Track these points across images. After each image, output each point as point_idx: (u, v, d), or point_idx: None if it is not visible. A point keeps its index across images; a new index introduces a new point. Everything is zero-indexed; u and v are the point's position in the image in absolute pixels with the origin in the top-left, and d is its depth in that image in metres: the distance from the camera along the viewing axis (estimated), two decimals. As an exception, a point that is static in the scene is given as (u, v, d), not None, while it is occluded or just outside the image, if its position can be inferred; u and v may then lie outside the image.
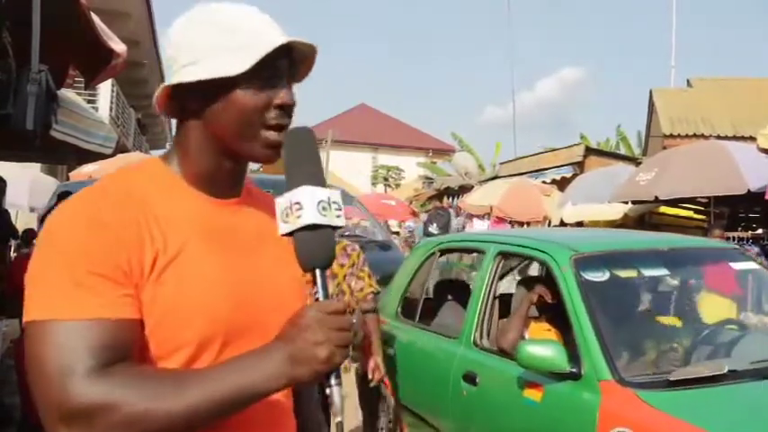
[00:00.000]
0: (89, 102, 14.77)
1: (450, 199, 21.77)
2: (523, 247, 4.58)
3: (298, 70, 1.45)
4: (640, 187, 10.27)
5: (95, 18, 4.72)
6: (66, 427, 1.17)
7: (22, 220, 13.59)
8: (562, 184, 16.16)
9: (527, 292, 4.41)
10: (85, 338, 1.20)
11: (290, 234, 1.30)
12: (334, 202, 1.31)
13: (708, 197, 10.41)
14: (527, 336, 4.21)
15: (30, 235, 11.34)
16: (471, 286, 7.08)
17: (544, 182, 16.99)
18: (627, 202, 11.48)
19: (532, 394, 3.75)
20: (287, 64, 1.40)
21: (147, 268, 1.28)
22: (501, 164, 23.88)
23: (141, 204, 1.32)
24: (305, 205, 1.28)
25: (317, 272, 1.31)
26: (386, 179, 40.65)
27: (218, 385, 1.22)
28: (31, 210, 13.98)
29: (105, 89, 20.38)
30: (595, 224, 13.33)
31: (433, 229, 16.19)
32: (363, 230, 11.57)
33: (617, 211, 12.17)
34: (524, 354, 3.58)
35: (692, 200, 11.24)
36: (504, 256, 4.70)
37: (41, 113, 4.30)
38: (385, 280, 10.13)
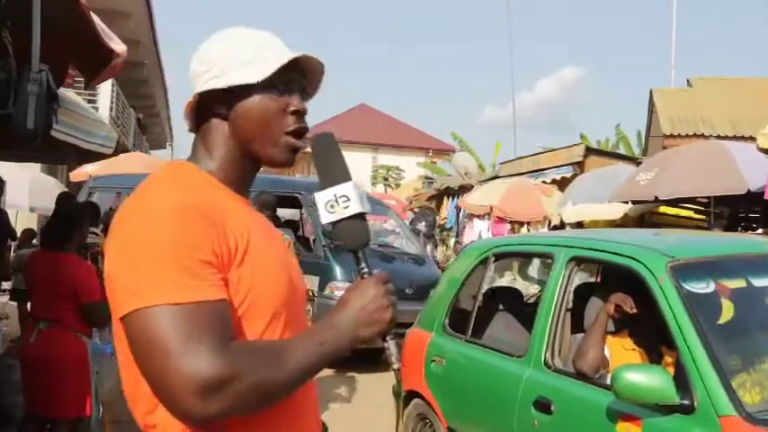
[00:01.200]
0: (89, 101, 14.78)
1: (451, 199, 21.75)
2: (603, 251, 3.90)
3: (309, 85, 1.67)
4: (640, 187, 10.26)
5: (95, 18, 4.71)
6: (201, 398, 1.31)
7: (22, 221, 13.59)
8: (562, 183, 16.15)
9: (601, 302, 3.86)
10: (203, 318, 1.35)
11: (335, 222, 1.56)
12: (342, 197, 1.56)
13: (708, 197, 10.40)
14: (609, 355, 3.70)
15: (28, 235, 11.34)
16: (523, 293, 6.46)
17: (544, 182, 16.98)
18: (627, 202, 11.47)
19: (628, 429, 3.16)
20: (300, 78, 1.62)
21: (233, 253, 1.47)
22: (501, 164, 23.86)
23: (206, 197, 1.50)
24: (351, 198, 1.55)
25: (360, 252, 1.59)
26: (386, 179, 40.64)
27: (313, 351, 1.45)
28: (31, 210, 13.99)
29: (105, 89, 20.41)
30: (595, 224, 13.33)
31: (421, 226, 16.25)
32: (398, 242, 11.52)
33: (617, 210, 12.16)
34: (623, 382, 2.99)
35: (692, 200, 11.23)
36: (579, 261, 4.08)
37: (42, 113, 4.30)
38: (416, 295, 9.81)
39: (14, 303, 8.53)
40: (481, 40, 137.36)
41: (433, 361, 4.66)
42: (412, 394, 4.96)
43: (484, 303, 5.01)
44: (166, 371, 1.32)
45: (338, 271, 9.74)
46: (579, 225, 13.74)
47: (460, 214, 19.02)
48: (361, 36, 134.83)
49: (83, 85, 8.54)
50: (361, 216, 1.56)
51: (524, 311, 5.07)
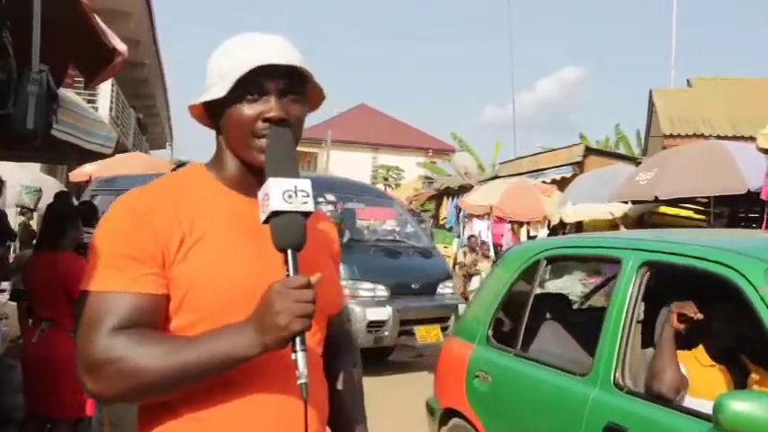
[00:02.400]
0: (89, 102, 14.77)
1: (450, 199, 21.76)
2: (684, 256, 3.34)
3: (310, 85, 1.70)
4: (640, 187, 10.27)
5: (96, 18, 4.71)
6: (86, 374, 1.48)
7: (22, 220, 13.58)
8: (562, 183, 16.17)
9: (667, 312, 3.40)
10: (110, 306, 1.49)
11: (267, 221, 1.51)
12: (302, 191, 1.52)
13: (708, 197, 10.40)
14: (686, 373, 3.29)
15: (29, 230, 11.33)
16: (572, 299, 5.90)
17: (544, 182, 17.00)
18: (627, 202, 11.48)
19: None
20: (279, 82, 1.62)
21: (174, 249, 1.54)
22: (501, 164, 23.88)
23: (178, 197, 1.61)
24: (271, 195, 1.49)
25: (289, 252, 1.50)
26: (386, 179, 40.61)
27: (201, 351, 1.46)
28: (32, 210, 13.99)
29: (105, 89, 20.41)
30: (595, 223, 13.33)
31: None
32: (404, 235, 11.13)
33: (617, 210, 12.17)
34: (730, 412, 2.55)
35: (691, 200, 11.24)
36: (652, 267, 3.52)
37: (42, 113, 4.30)
38: (423, 290, 9.85)
39: (14, 303, 8.57)
40: (481, 39, 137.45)
41: (477, 377, 4.17)
42: (450, 413, 4.48)
43: (521, 310, 4.42)
44: (77, 348, 1.51)
45: (344, 270, 8.95)
46: (579, 225, 13.75)
47: (460, 214, 19.02)
48: (361, 36, 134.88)
49: (82, 84, 8.54)
50: (306, 216, 1.52)
51: (572, 320, 4.66)
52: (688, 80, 20.82)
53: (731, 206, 10.89)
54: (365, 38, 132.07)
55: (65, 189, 12.24)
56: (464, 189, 20.49)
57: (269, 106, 1.60)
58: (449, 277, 10.78)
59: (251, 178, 1.67)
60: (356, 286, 9.21)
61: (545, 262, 4.32)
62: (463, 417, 4.33)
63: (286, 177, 1.52)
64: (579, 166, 16.69)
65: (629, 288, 3.47)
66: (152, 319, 1.52)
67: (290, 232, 1.49)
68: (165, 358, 1.45)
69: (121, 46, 5.15)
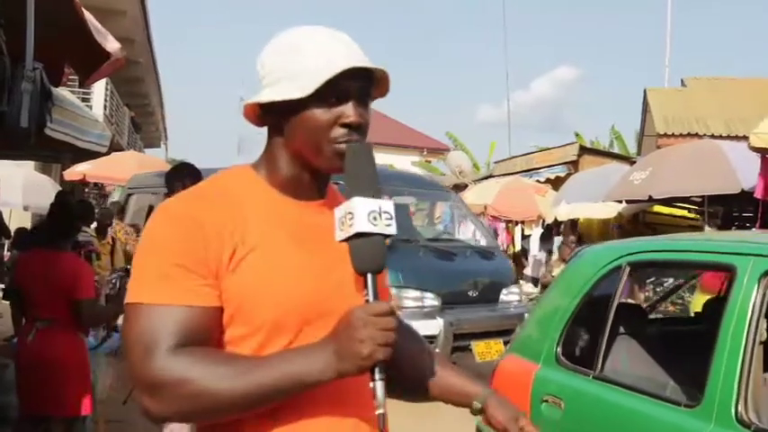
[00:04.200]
0: (83, 100, 14.75)
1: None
2: None
3: (377, 88, 1.61)
4: (634, 186, 10.29)
5: (89, 16, 4.70)
6: (147, 396, 1.40)
7: (16, 219, 13.57)
8: (556, 183, 16.20)
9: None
10: (166, 321, 1.41)
11: (346, 240, 1.45)
12: (386, 212, 1.46)
13: (702, 196, 10.43)
14: None
15: (22, 234, 11.30)
16: (643, 306, 5.21)
17: (538, 181, 17.03)
18: (621, 202, 11.50)
19: None
20: (358, 85, 1.54)
21: (226, 260, 1.46)
22: (495, 163, 23.89)
23: (233, 204, 1.52)
24: (356, 215, 1.43)
25: (369, 276, 1.44)
26: (380, 178, 40.57)
27: (273, 373, 1.39)
28: (25, 208, 13.95)
29: (99, 87, 20.37)
30: (589, 222, 13.36)
31: None
32: (461, 232, 9.99)
33: (611, 210, 12.21)
34: None
35: (685, 199, 11.27)
36: None
37: (36, 112, 4.30)
38: (483, 297, 8.35)
39: (6, 302, 8.54)
40: (476, 39, 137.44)
41: (545, 401, 3.54)
42: None
43: (588, 322, 3.81)
44: (129, 365, 1.44)
45: (386, 275, 8.27)
46: (574, 224, 13.78)
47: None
48: (355, 36, 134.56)
49: (77, 83, 8.53)
50: (371, 236, 1.44)
51: (649, 333, 4.10)
52: (682, 80, 20.85)
53: (725, 205, 10.92)
54: (360, 38, 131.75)
55: (61, 188, 12.19)
56: (459, 188, 20.50)
57: (348, 111, 1.52)
58: (514, 282, 9.24)
59: (307, 181, 1.60)
60: (401, 295, 7.76)
61: (627, 268, 3.62)
62: None
63: (370, 197, 1.46)
64: (574, 166, 16.73)
65: (749, 302, 2.89)
66: (209, 332, 1.45)
67: (372, 256, 1.44)
68: (234, 380, 1.38)
69: (115, 45, 5.14)
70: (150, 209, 5.31)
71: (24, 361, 4.65)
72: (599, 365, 3.42)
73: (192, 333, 1.42)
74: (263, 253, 1.49)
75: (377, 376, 1.39)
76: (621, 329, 3.85)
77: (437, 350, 7.13)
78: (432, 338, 7.49)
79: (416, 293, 7.87)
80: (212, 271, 1.45)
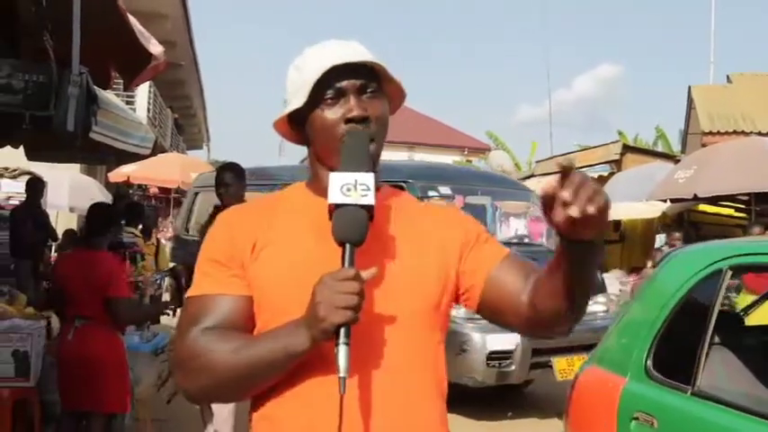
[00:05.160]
0: (127, 103, 14.96)
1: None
2: None
3: (385, 80, 1.68)
4: (679, 185, 10.16)
5: (133, 20, 4.77)
6: (175, 370, 1.66)
7: (62, 221, 13.79)
8: (599, 182, 15.94)
9: None
10: (199, 308, 1.61)
11: (341, 205, 1.50)
12: (362, 184, 1.50)
13: (749, 194, 10.25)
14: None
15: (70, 235, 11.48)
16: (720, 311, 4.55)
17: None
18: (665, 201, 11.35)
19: None
20: (354, 82, 1.62)
21: (249, 252, 1.62)
22: (537, 162, 23.72)
23: (270, 208, 1.72)
24: (330, 189, 1.51)
25: (347, 246, 1.48)
26: (421, 178, 40.54)
27: (264, 346, 1.52)
28: (71, 210, 14.18)
29: (143, 90, 20.65)
30: (633, 222, 13.19)
31: None
32: (542, 235, 9.18)
33: (655, 209, 12.04)
34: None
35: (732, 197, 11.08)
36: None
37: (82, 115, 4.36)
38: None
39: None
40: (517, 38, 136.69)
41: (635, 419, 3.20)
42: None
43: (696, 336, 3.28)
44: (174, 348, 1.67)
45: None
46: (617, 224, 13.62)
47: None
48: (396, 36, 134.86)
49: (121, 86, 8.64)
50: (368, 210, 1.49)
51: (748, 343, 3.73)
52: (728, 76, 20.51)
53: (773, 204, 10.72)
54: (400, 37, 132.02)
55: (122, 190, 12.25)
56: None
57: (349, 106, 1.61)
58: (601, 290, 8.13)
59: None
60: None
61: (729, 272, 3.27)
62: None
63: (350, 172, 1.52)
64: (617, 165, 16.53)
65: None
66: (239, 319, 1.61)
67: (347, 226, 1.48)
68: (233, 355, 1.53)
69: (158, 48, 5.20)
70: (215, 208, 5.32)
71: (64, 358, 4.75)
72: (697, 380, 3.06)
73: (223, 318, 1.59)
74: (279, 245, 1.62)
75: (340, 340, 1.41)
76: (717, 339, 3.44)
77: (513, 367, 6.94)
78: (507, 354, 6.94)
79: None
80: (238, 263, 1.62)
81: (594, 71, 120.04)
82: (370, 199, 1.50)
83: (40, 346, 4.84)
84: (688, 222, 12.53)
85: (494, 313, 1.76)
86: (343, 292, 1.41)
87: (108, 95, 6.54)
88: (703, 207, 12.05)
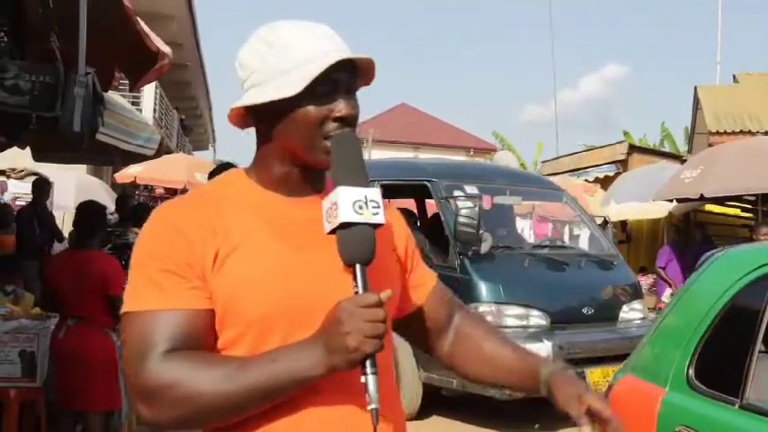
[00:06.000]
0: (133, 104, 14.98)
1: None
2: None
3: (362, 77, 1.57)
4: (685, 185, 10.12)
5: (140, 21, 4.77)
6: (140, 402, 1.39)
7: (69, 222, 13.79)
8: (605, 182, 15.99)
9: None
10: (157, 326, 1.40)
11: (333, 232, 1.42)
12: (372, 201, 1.42)
13: (756, 195, 10.22)
14: None
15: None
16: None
17: (587, 180, 16.82)
18: (672, 201, 11.32)
19: None
20: (346, 77, 1.51)
21: (210, 261, 1.44)
22: (543, 162, 23.70)
23: (217, 207, 1.50)
24: (340, 205, 1.39)
25: (357, 267, 1.40)
26: (426, 178, 40.49)
27: (263, 372, 1.37)
28: (78, 211, 14.16)
29: (149, 91, 20.70)
30: (639, 223, 13.16)
31: None
32: (575, 238, 8.43)
33: (661, 209, 12.01)
34: None
35: (739, 198, 11.05)
36: None
37: (88, 116, 4.36)
38: (601, 315, 6.90)
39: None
40: (523, 38, 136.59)
41: None
42: None
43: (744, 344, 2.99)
44: (126, 373, 1.45)
45: (483, 289, 6.59)
46: (624, 224, 13.59)
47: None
48: (401, 35, 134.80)
49: (127, 87, 8.66)
50: (376, 228, 1.42)
51: None
52: (734, 75, 20.45)
53: (780, 204, 10.68)
54: (406, 37, 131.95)
55: (126, 191, 12.28)
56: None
57: (339, 105, 1.48)
58: (637, 296, 7.60)
59: (298, 178, 1.56)
60: (501, 312, 6.53)
61: None
62: None
63: (356, 186, 1.42)
64: (623, 164, 16.51)
65: None
66: (201, 336, 1.43)
67: (359, 246, 1.40)
68: (225, 382, 1.36)
69: (165, 48, 5.20)
70: None
71: (56, 357, 4.79)
72: (745, 392, 2.80)
73: (184, 337, 1.41)
74: (245, 251, 1.45)
75: (368, 370, 1.35)
76: (765, 348, 3.13)
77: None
78: None
79: (520, 310, 6.65)
80: (198, 273, 1.43)
81: (601, 71, 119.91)
82: (380, 217, 1.42)
83: (46, 347, 4.87)
84: (695, 222, 12.49)
85: (408, 332, 1.81)
86: (372, 320, 1.33)
87: (115, 96, 6.55)
88: (710, 207, 12.01)
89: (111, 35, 4.78)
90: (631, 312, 7.30)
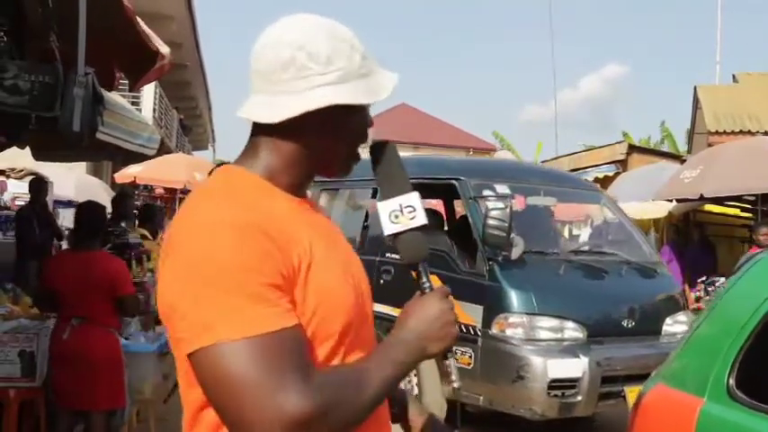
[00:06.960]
0: (133, 103, 14.99)
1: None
2: None
3: None
4: (685, 185, 10.14)
5: (140, 21, 4.77)
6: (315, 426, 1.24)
7: (69, 220, 13.81)
8: (605, 182, 16.00)
9: None
10: (283, 350, 1.25)
11: (398, 234, 1.50)
12: (408, 207, 1.49)
13: (755, 195, 10.23)
14: None
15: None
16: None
17: (586, 180, 16.83)
18: (671, 201, 11.33)
19: None
20: None
21: (297, 271, 1.34)
22: (542, 162, 23.71)
23: (264, 212, 1.36)
24: (382, 220, 1.50)
25: (420, 266, 1.51)
26: (426, 178, 40.48)
27: (387, 372, 1.37)
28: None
29: (149, 91, 20.72)
30: (639, 223, 13.16)
31: None
32: (614, 244, 7.55)
33: (661, 209, 12.02)
34: None
35: (738, 198, 11.06)
36: None
37: (88, 116, 4.36)
38: (643, 327, 6.38)
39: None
40: (523, 38, 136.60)
41: None
42: None
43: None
44: (250, 411, 1.22)
45: (514, 298, 6.08)
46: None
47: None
48: (401, 35, 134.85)
49: (127, 87, 8.66)
50: (423, 227, 1.51)
51: None
52: (734, 75, 20.47)
53: (780, 204, 10.69)
54: (406, 37, 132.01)
55: (125, 190, 12.30)
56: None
57: (371, 121, 1.54)
58: (681, 307, 7.00)
59: (307, 180, 1.53)
60: (533, 323, 6.02)
61: None
62: None
63: (392, 197, 1.51)
64: (622, 165, 16.52)
65: None
66: (311, 353, 1.34)
67: (413, 249, 1.51)
68: (359, 392, 1.31)
69: (164, 49, 5.20)
70: None
71: (59, 357, 4.78)
72: None
73: (303, 356, 1.28)
74: (320, 260, 1.38)
75: (449, 353, 1.49)
76: None
77: (579, 398, 5.82)
78: (572, 382, 5.79)
79: (554, 322, 6.09)
80: (289, 284, 1.32)
81: (601, 71, 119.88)
82: (420, 219, 1.50)
83: (45, 347, 4.86)
84: (694, 222, 12.51)
85: None
86: (451, 309, 1.47)
87: (115, 96, 6.55)
88: (709, 207, 12.02)
89: (111, 35, 4.78)
90: (675, 325, 6.70)
